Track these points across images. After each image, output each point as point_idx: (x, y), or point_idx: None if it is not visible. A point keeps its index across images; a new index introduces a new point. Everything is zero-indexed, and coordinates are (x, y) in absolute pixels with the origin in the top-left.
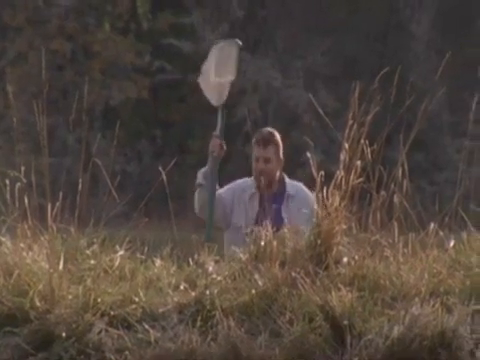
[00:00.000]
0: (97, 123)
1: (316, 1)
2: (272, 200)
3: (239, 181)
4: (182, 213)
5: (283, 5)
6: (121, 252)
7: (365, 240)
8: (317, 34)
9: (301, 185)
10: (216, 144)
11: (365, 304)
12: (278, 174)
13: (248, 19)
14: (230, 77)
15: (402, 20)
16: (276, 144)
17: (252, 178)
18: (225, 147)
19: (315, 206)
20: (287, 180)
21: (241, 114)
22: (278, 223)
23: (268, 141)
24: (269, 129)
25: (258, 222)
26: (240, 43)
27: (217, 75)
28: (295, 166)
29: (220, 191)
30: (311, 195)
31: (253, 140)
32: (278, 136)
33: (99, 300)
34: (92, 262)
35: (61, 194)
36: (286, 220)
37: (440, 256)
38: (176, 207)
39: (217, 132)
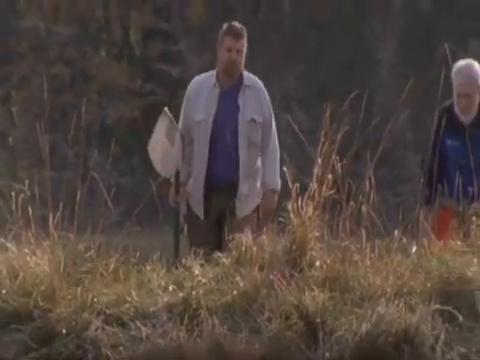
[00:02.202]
0: (94, 140)
1: (291, 32)
2: (231, 91)
3: (194, 80)
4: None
5: (263, 36)
6: (115, 257)
7: (336, 246)
8: (292, 61)
9: (257, 78)
10: (174, 197)
11: (336, 304)
12: (242, 67)
13: None
14: (176, 153)
15: (368, 48)
16: (245, 38)
17: (208, 74)
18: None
19: (268, 98)
20: (245, 73)
21: None
22: (235, 111)
23: (241, 35)
24: (239, 24)
25: (219, 112)
26: (168, 113)
27: (163, 153)
28: None
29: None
30: (264, 89)
31: (223, 31)
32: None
33: (96, 300)
34: (89, 266)
35: (61, 205)
36: (241, 108)
37: (403, 260)
38: (165, 216)
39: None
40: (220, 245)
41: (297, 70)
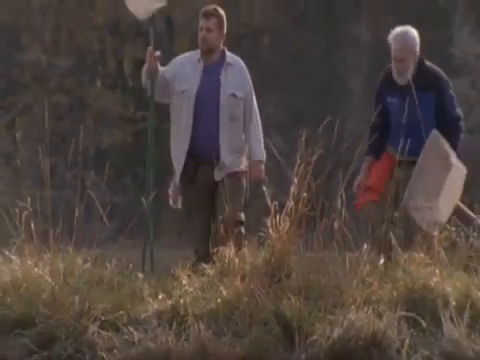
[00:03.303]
0: (90, 163)
1: (270, 64)
2: (213, 67)
3: (178, 56)
4: (159, 236)
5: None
6: (110, 268)
7: (311, 258)
8: (271, 91)
9: (239, 58)
10: (150, 56)
11: (311, 310)
12: (220, 46)
13: None
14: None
15: (340, 78)
16: (218, 17)
17: (192, 52)
18: (158, 54)
19: (248, 77)
20: (228, 53)
21: None
22: (217, 85)
23: (210, 14)
24: (213, 5)
25: (202, 85)
26: None
27: None
28: (253, 198)
29: (163, 68)
30: (246, 68)
31: (199, 14)
32: (222, 12)
33: (92, 307)
34: (86, 276)
35: (61, 220)
36: (223, 83)
37: (372, 271)
38: (155, 230)
39: (151, 47)
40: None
41: (275, 98)
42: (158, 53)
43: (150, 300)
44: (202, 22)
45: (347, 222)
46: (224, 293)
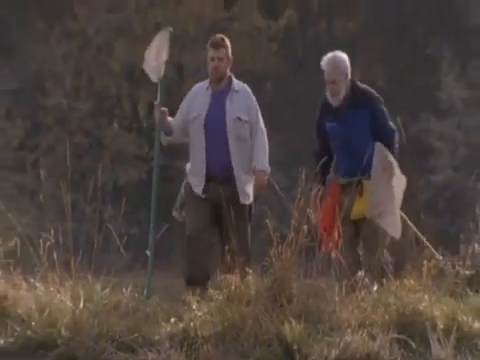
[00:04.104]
0: (108, 197)
1: (272, 107)
2: (221, 93)
3: (192, 88)
4: (171, 265)
5: None
6: (126, 294)
7: (310, 285)
8: (273, 131)
9: (245, 85)
10: (158, 110)
11: (310, 333)
12: (228, 72)
13: None
14: (164, 57)
15: None
16: (226, 47)
17: (204, 81)
18: (165, 110)
19: (254, 102)
20: (234, 80)
21: None
22: (223, 110)
23: (220, 45)
24: (220, 35)
25: (210, 110)
26: (171, 29)
27: (155, 59)
28: (257, 229)
29: (173, 119)
30: (252, 94)
31: (208, 45)
32: (228, 41)
33: (110, 330)
34: (105, 301)
35: (81, 251)
36: (228, 107)
37: (366, 297)
38: (166, 260)
39: (158, 102)
40: (220, 232)
41: (277, 138)
42: (164, 109)
43: (163, 323)
44: (212, 53)
45: (342, 251)
46: (230, 317)
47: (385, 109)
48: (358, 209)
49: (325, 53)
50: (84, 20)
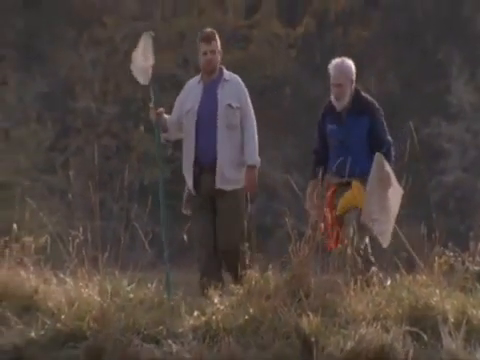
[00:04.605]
0: (134, 196)
1: (290, 110)
2: (212, 84)
3: (189, 81)
4: (194, 261)
5: (268, 113)
6: (151, 289)
7: (327, 280)
8: (291, 133)
9: (236, 76)
10: (153, 113)
11: (326, 326)
12: (218, 64)
13: None
14: (151, 61)
15: None
16: (216, 40)
17: (196, 76)
18: (161, 111)
19: (245, 90)
20: (225, 71)
21: None
22: (214, 99)
23: (211, 38)
24: (210, 29)
25: (202, 101)
26: (152, 34)
27: (142, 62)
28: (276, 227)
29: (170, 116)
30: (241, 82)
31: (198, 39)
32: (217, 35)
33: (136, 323)
34: (131, 296)
35: (108, 247)
36: (219, 97)
37: (380, 291)
38: (188, 256)
39: (152, 104)
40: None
41: (295, 140)
42: (161, 109)
43: (186, 317)
44: (204, 47)
45: (358, 248)
46: (251, 310)
47: (384, 122)
48: (342, 205)
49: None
50: (112, 28)
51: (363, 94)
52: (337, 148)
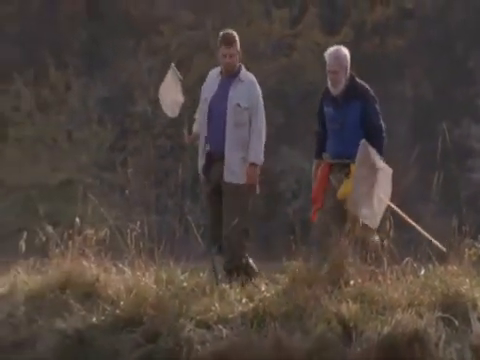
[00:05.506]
0: (187, 193)
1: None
2: (227, 82)
3: (211, 71)
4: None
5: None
6: (203, 278)
7: (365, 270)
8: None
9: (252, 75)
10: (187, 138)
11: (365, 312)
12: (237, 64)
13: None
14: (181, 100)
15: (387, 126)
16: (236, 43)
17: (218, 68)
18: (193, 136)
19: (260, 91)
20: (242, 70)
21: (282, 187)
22: (225, 97)
23: (232, 41)
24: (230, 31)
25: (214, 96)
26: (173, 65)
27: (171, 95)
28: None
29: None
30: (257, 84)
31: (219, 40)
32: (237, 37)
33: (189, 309)
34: (184, 284)
35: (164, 240)
36: (230, 96)
37: (414, 280)
38: None
39: (185, 131)
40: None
41: None
42: (193, 135)
43: (235, 303)
44: (224, 50)
45: (394, 240)
46: (295, 298)
47: (377, 107)
48: (342, 191)
49: (378, 67)
50: (167, 37)
51: (358, 80)
52: (334, 131)
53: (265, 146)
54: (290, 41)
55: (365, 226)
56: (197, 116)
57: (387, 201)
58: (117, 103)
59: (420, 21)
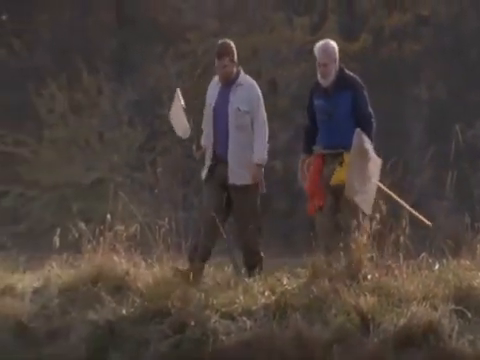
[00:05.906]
0: None
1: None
2: (226, 88)
3: (212, 80)
4: (268, 247)
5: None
6: (228, 271)
7: (382, 264)
8: None
9: (251, 79)
10: (197, 153)
11: (382, 304)
12: (234, 71)
13: None
14: (187, 125)
15: (403, 127)
16: (229, 54)
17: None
18: (202, 151)
19: (259, 94)
20: (241, 74)
21: (302, 185)
22: (226, 102)
23: (223, 54)
24: (223, 42)
25: (216, 102)
26: (178, 90)
27: (180, 116)
28: None
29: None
30: (257, 87)
31: (215, 51)
32: (230, 45)
33: (214, 301)
34: (210, 277)
35: (190, 236)
36: (230, 101)
37: (429, 274)
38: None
39: (194, 147)
40: (225, 206)
41: None
42: (202, 150)
43: (259, 296)
44: (216, 62)
45: (410, 236)
46: (315, 291)
47: (366, 96)
48: (337, 176)
49: (395, 71)
50: (194, 43)
51: (347, 72)
52: (326, 122)
53: (280, 145)
54: (311, 47)
55: (356, 212)
56: (203, 126)
57: (377, 183)
58: (146, 106)
59: (435, 28)
